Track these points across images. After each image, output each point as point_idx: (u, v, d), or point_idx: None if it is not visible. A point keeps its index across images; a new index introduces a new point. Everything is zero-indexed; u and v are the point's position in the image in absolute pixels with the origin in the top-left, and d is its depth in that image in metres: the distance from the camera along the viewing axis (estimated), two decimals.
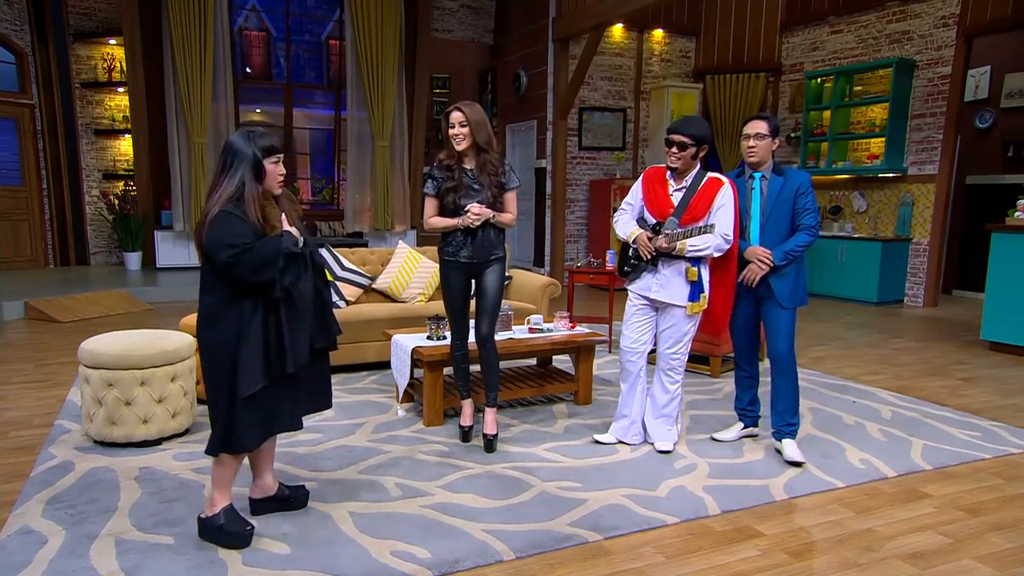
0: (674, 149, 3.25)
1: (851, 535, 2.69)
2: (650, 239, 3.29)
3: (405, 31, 9.92)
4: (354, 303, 5.15)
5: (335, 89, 10.52)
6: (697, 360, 4.89)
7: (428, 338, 4.03)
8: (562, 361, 4.94)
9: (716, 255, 3.29)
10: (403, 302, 5.28)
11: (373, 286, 5.32)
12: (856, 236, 8.67)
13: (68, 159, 9.37)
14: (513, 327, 4.37)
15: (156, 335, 3.63)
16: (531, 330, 4.32)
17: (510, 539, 2.58)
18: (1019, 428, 3.98)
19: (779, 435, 3.46)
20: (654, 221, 3.34)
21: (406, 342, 3.99)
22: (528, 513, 2.80)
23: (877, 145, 8.65)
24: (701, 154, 3.29)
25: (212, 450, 2.49)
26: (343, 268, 5.17)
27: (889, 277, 8.43)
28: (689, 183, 3.31)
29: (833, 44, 9.27)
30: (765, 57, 9.99)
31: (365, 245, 8.85)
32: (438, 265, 3.68)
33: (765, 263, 3.29)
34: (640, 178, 3.47)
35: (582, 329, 4.44)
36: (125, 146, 9.73)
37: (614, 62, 10.06)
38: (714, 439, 3.68)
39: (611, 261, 5.77)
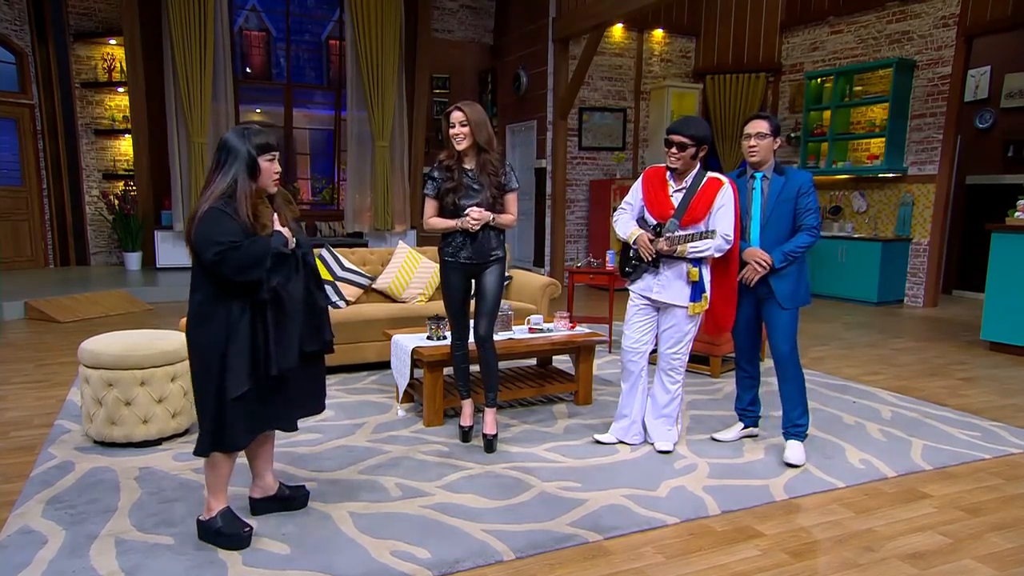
0: (673, 149, 3.25)
1: (851, 535, 2.69)
2: (651, 240, 3.29)
3: (405, 31, 9.92)
4: (354, 303, 5.15)
5: (335, 89, 10.52)
6: (697, 360, 4.89)
7: (428, 338, 4.03)
8: (562, 361, 4.94)
9: (717, 255, 3.29)
10: (403, 302, 5.28)
11: (373, 286, 5.32)
12: (856, 236, 8.68)
13: (68, 159, 9.37)
14: (513, 327, 4.37)
15: (156, 335, 3.63)
16: (531, 330, 4.32)
17: (510, 539, 2.58)
18: (1019, 428, 3.98)
19: (785, 436, 3.45)
20: (655, 222, 3.34)
21: (406, 342, 3.99)
22: (528, 513, 2.80)
23: (877, 145, 8.65)
24: (701, 154, 3.28)
25: (202, 450, 2.46)
26: (343, 268, 5.17)
27: (889, 277, 8.43)
28: (689, 184, 3.31)
29: (833, 44, 9.28)
30: (765, 57, 9.99)
31: (365, 245, 8.85)
32: (438, 265, 3.68)
33: (763, 265, 3.29)
34: (640, 178, 3.47)
35: (582, 329, 4.44)
36: (125, 146, 9.73)
37: (614, 62, 10.06)
38: (714, 439, 3.67)
39: (611, 261, 5.77)
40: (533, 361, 4.77)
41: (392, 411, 4.10)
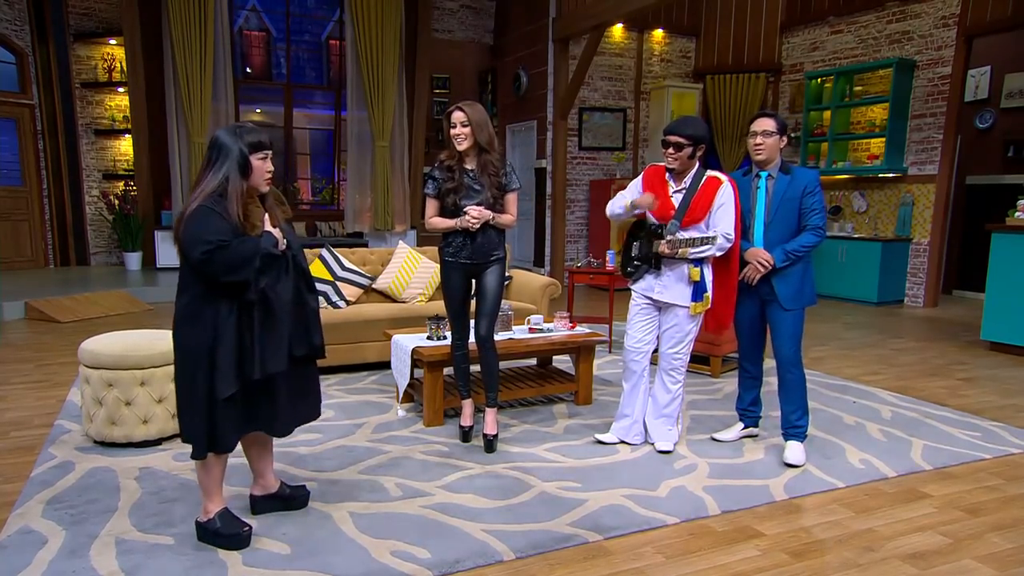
0: (671, 150, 3.25)
1: (851, 535, 2.69)
2: (652, 241, 3.29)
3: (405, 31, 9.92)
4: (354, 303, 5.15)
5: (335, 89, 10.52)
6: (698, 360, 4.89)
7: (428, 338, 4.03)
8: (562, 361, 4.94)
9: (718, 254, 3.29)
10: (403, 302, 5.28)
11: (373, 286, 5.32)
12: (856, 236, 8.68)
13: (68, 159, 9.37)
14: (513, 327, 4.37)
15: (156, 335, 3.63)
16: (531, 330, 4.32)
17: (510, 539, 2.58)
18: (1019, 428, 3.98)
19: (785, 436, 3.44)
20: (655, 223, 3.34)
21: (406, 342, 3.99)
22: (528, 513, 2.80)
23: (877, 145, 8.65)
24: (699, 153, 3.28)
25: (200, 453, 2.43)
26: (343, 268, 5.17)
27: (889, 277, 8.43)
28: (688, 183, 3.31)
29: (833, 44, 9.28)
30: (765, 57, 9.99)
31: (365, 245, 8.85)
32: (438, 265, 3.68)
33: (764, 265, 3.27)
34: (640, 175, 3.47)
35: (582, 329, 4.44)
36: (125, 146, 9.73)
37: (614, 62, 10.06)
38: (714, 439, 3.67)
39: (611, 261, 5.77)
40: (533, 361, 4.77)
41: (392, 411, 4.10)
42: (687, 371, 3.62)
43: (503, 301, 3.99)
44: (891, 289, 8.48)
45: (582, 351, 4.22)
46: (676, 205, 3.30)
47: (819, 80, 9.26)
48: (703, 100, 10.31)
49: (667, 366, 3.46)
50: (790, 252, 3.25)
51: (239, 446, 2.72)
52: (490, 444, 3.47)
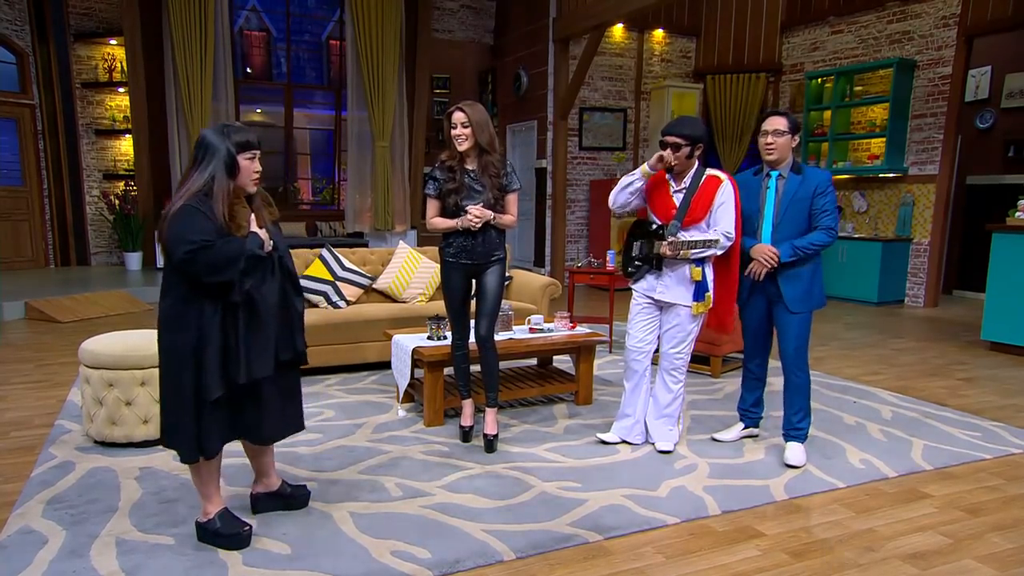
0: (668, 150, 3.25)
1: (852, 535, 2.69)
2: (654, 242, 3.29)
3: (405, 31, 9.92)
4: (354, 303, 5.15)
5: (335, 89, 10.52)
6: (698, 360, 4.88)
7: (428, 338, 4.03)
8: (562, 361, 4.94)
9: (719, 253, 3.29)
10: (403, 302, 5.28)
11: (373, 286, 5.32)
12: (856, 236, 8.68)
13: (69, 159, 9.37)
14: (513, 327, 4.37)
15: (156, 335, 3.62)
16: (531, 330, 4.32)
17: (510, 539, 2.58)
18: (1019, 428, 3.97)
19: (785, 437, 3.44)
20: (657, 224, 3.34)
21: (406, 342, 3.99)
22: (528, 513, 2.80)
23: (877, 145, 8.65)
24: (697, 153, 3.28)
25: (190, 457, 2.40)
26: (343, 268, 5.17)
27: (889, 277, 8.43)
28: (688, 183, 3.31)
29: (833, 44, 9.27)
30: (765, 57, 9.98)
31: (365, 245, 8.84)
32: (438, 265, 3.68)
33: (770, 260, 3.24)
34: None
35: (582, 329, 4.43)
36: (125, 146, 9.73)
37: (614, 62, 10.06)
38: (714, 439, 3.67)
39: (611, 261, 5.77)
40: (533, 361, 4.77)
41: (392, 411, 4.10)
42: (687, 371, 3.61)
43: (503, 301, 3.99)
44: (891, 289, 8.48)
45: (582, 351, 4.22)
46: (677, 205, 3.30)
47: (819, 80, 9.26)
48: (703, 100, 10.31)
49: (668, 366, 3.46)
50: (798, 248, 3.21)
51: (239, 446, 2.73)
52: (490, 444, 3.47)
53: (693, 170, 3.32)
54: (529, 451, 3.49)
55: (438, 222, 3.41)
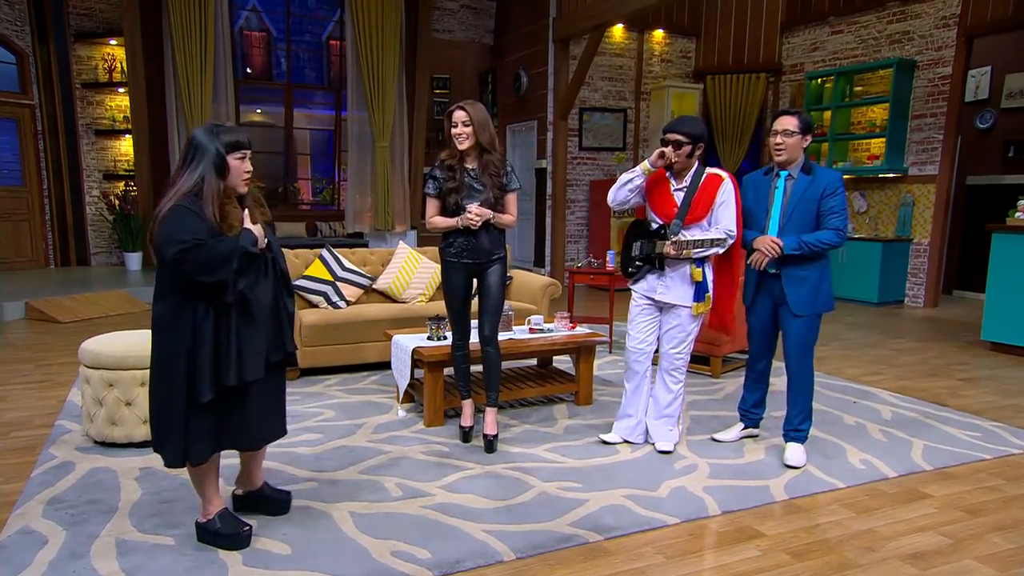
0: (670, 148, 3.25)
1: (852, 535, 2.69)
2: (656, 242, 3.29)
3: (405, 31, 9.92)
4: (354, 303, 5.15)
5: (335, 89, 10.52)
6: (698, 360, 4.88)
7: (428, 338, 4.03)
8: (562, 361, 4.94)
9: (720, 252, 3.29)
10: (403, 302, 5.28)
11: (373, 286, 5.32)
12: (857, 236, 8.67)
13: (69, 159, 9.37)
14: (514, 327, 4.37)
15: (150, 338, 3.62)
16: (531, 330, 4.32)
17: (510, 539, 2.58)
18: (1020, 428, 3.97)
19: (785, 438, 3.44)
20: (658, 224, 3.34)
21: (406, 342, 3.99)
22: (528, 513, 2.80)
23: (877, 145, 8.65)
24: (698, 152, 3.29)
25: (177, 461, 2.38)
26: (343, 268, 5.17)
27: (890, 278, 8.43)
28: (689, 182, 3.31)
29: (833, 44, 9.27)
30: (765, 58, 9.99)
31: (365, 245, 8.85)
32: (439, 265, 3.68)
33: (773, 250, 3.20)
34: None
35: (582, 329, 4.44)
36: (125, 146, 9.73)
37: (614, 62, 10.06)
38: (714, 439, 3.67)
39: (611, 261, 5.77)
40: (533, 361, 4.77)
41: (392, 411, 4.10)
42: (687, 371, 3.61)
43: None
44: (891, 289, 8.48)
45: (582, 351, 4.22)
46: (678, 203, 3.30)
47: (819, 80, 9.26)
48: (703, 100, 10.31)
49: (668, 366, 3.46)
50: (805, 242, 3.18)
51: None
52: (490, 444, 3.47)
53: (693, 169, 3.32)
54: (529, 451, 3.49)
55: (438, 221, 3.41)
